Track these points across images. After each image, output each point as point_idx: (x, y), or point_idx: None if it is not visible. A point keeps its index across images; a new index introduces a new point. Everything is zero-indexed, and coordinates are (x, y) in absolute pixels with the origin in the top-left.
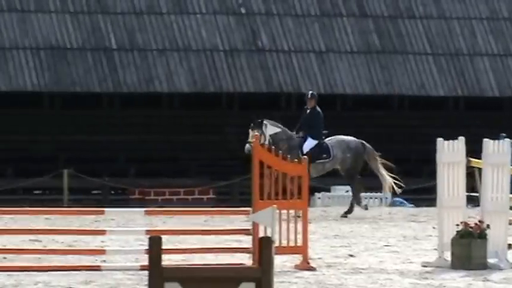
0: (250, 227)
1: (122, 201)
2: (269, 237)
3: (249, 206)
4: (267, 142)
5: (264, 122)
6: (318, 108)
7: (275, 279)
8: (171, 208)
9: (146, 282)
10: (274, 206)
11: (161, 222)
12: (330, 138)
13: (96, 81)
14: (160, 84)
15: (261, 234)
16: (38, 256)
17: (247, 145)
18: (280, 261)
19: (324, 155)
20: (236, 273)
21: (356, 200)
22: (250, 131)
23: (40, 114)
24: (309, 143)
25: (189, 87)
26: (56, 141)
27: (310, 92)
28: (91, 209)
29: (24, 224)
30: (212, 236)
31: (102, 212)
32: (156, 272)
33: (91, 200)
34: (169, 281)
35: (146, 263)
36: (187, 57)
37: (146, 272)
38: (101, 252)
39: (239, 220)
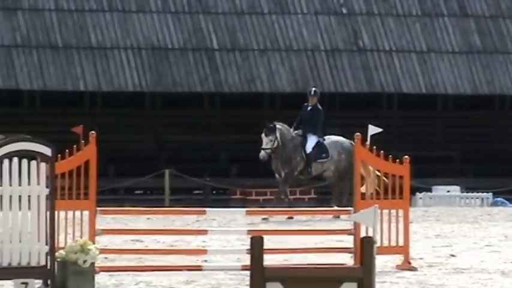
0: (351, 227)
1: (223, 201)
2: (371, 237)
3: (351, 206)
4: (276, 145)
5: (277, 126)
6: (319, 106)
7: (376, 279)
8: (272, 208)
9: (248, 283)
10: (376, 205)
11: (262, 222)
12: (323, 138)
13: (197, 81)
14: (262, 84)
15: (363, 234)
16: (140, 256)
17: (263, 152)
18: (381, 261)
19: (324, 155)
20: (338, 274)
21: (337, 202)
22: (263, 136)
23: (141, 114)
24: (311, 142)
25: (291, 87)
26: (157, 141)
27: (313, 88)
28: (192, 209)
29: (126, 224)
30: (313, 236)
31: (204, 212)
32: (258, 272)
33: (192, 199)
34: (271, 281)
35: (248, 263)
36: (289, 57)
37: (248, 272)
38: (203, 252)
39: (341, 220)
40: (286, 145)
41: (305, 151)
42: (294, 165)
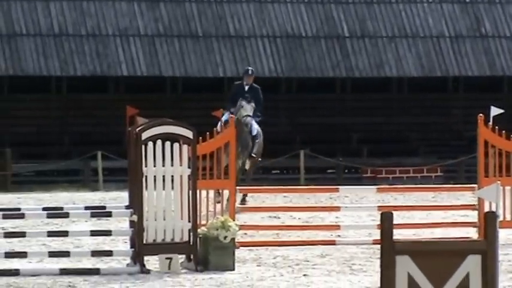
0: (476, 203)
1: (355, 179)
2: (494, 212)
3: (475, 183)
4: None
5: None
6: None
7: (500, 251)
8: (401, 186)
9: (378, 256)
10: (498, 182)
11: (392, 199)
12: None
13: (329, 66)
14: (390, 69)
15: (486, 209)
16: (277, 232)
17: (250, 118)
18: (504, 235)
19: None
20: (463, 246)
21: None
22: (245, 104)
23: (277, 98)
24: (255, 123)
25: (417, 71)
26: (292, 124)
27: (251, 68)
28: (326, 187)
29: (264, 202)
30: (440, 212)
31: (337, 190)
32: (388, 245)
33: (326, 178)
34: (400, 254)
35: (378, 237)
36: (415, 44)
37: (378, 246)
38: (336, 227)
39: (465, 196)
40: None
41: (251, 131)
42: (249, 148)
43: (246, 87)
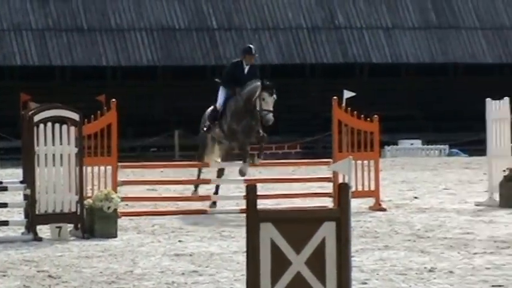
0: (331, 176)
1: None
2: (347, 183)
3: (330, 158)
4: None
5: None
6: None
7: (352, 218)
8: (265, 161)
9: (245, 223)
10: (350, 157)
11: (257, 172)
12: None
13: (200, 56)
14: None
15: (340, 181)
16: (155, 203)
17: (271, 115)
18: (356, 204)
19: None
20: (320, 214)
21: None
22: (268, 96)
23: (155, 84)
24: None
25: (278, 59)
26: (168, 107)
27: (253, 46)
28: (198, 163)
29: (143, 176)
30: (299, 184)
31: (208, 165)
32: (252, 214)
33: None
34: (263, 221)
35: (245, 207)
36: (276, 35)
37: (245, 215)
38: (207, 198)
39: (322, 170)
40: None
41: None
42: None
43: (246, 68)
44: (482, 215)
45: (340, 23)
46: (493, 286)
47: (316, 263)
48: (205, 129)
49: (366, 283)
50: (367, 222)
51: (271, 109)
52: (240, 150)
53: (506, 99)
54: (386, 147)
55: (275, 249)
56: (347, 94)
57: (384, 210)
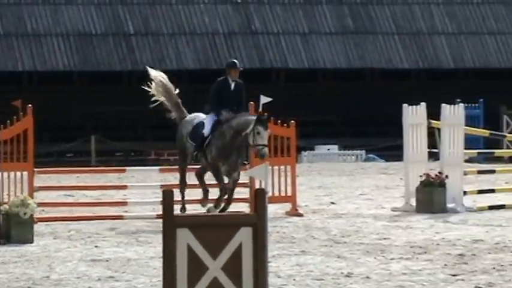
0: (247, 181)
1: (141, 161)
2: (263, 189)
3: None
4: None
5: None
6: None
7: (269, 224)
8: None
9: (161, 229)
10: (267, 162)
11: (173, 178)
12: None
13: (117, 61)
14: (171, 63)
15: (257, 186)
16: (71, 208)
17: (266, 149)
18: (273, 209)
19: None
20: (236, 220)
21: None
22: (263, 130)
23: (71, 89)
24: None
25: (195, 64)
26: (84, 112)
27: (236, 61)
28: (115, 168)
29: (59, 182)
30: (216, 190)
31: (124, 171)
32: (169, 219)
33: (114, 161)
34: (180, 227)
35: (161, 212)
36: (193, 40)
37: (161, 220)
38: (124, 204)
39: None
40: None
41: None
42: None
43: (232, 84)
44: (398, 220)
45: (257, 28)
46: None
47: (233, 268)
48: (195, 153)
49: None
50: (284, 228)
51: (266, 143)
52: (221, 190)
53: (423, 104)
54: (303, 153)
55: (192, 254)
56: (264, 99)
57: (300, 215)
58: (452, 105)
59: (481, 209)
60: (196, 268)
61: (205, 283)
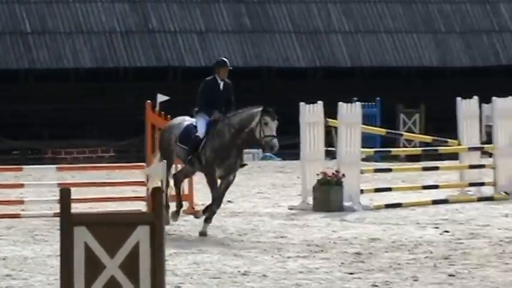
0: (144, 180)
1: (38, 159)
2: (160, 187)
3: (144, 162)
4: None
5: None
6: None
7: None
8: (78, 165)
9: (58, 227)
10: (164, 161)
11: (70, 176)
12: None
13: (14, 59)
14: (68, 62)
15: (154, 185)
16: None
17: (276, 140)
18: (170, 207)
19: None
20: (133, 218)
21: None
22: (273, 122)
23: None
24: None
25: (92, 63)
26: None
27: (226, 59)
28: (11, 167)
29: None
30: (113, 188)
31: (21, 169)
32: (66, 217)
33: (11, 159)
34: (77, 225)
35: (58, 210)
36: (90, 39)
37: (58, 218)
38: (20, 202)
39: (136, 174)
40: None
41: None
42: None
43: (221, 84)
44: (295, 218)
45: (154, 27)
46: None
47: (130, 266)
48: (189, 157)
49: (179, 287)
50: (181, 226)
51: (275, 134)
52: (214, 198)
53: (320, 103)
54: None
55: (89, 253)
56: (161, 98)
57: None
58: (349, 104)
59: (377, 208)
60: (94, 266)
61: (102, 281)
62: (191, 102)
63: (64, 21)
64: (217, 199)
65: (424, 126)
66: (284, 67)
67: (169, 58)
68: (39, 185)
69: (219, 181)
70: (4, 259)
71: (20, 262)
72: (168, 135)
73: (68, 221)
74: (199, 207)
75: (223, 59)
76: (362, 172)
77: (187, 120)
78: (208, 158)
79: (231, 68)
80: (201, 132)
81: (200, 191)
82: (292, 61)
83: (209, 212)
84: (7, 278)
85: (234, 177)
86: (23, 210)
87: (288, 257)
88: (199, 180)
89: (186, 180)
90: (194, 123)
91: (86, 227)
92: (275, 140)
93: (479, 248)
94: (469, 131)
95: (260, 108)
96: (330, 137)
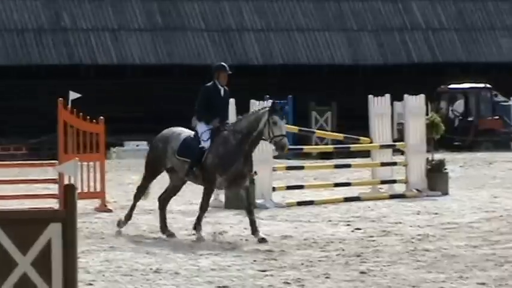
0: (56, 177)
1: None
2: (72, 184)
3: (56, 159)
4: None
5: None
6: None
7: (78, 219)
8: None
9: None
10: (76, 158)
11: None
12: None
13: None
14: None
15: (66, 182)
16: None
17: (286, 139)
18: (82, 205)
19: None
20: (45, 215)
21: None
22: (281, 120)
23: None
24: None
25: (4, 60)
26: None
27: (226, 64)
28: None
29: None
30: (25, 185)
31: None
32: None
33: None
34: None
35: None
36: (2, 36)
37: None
38: None
39: (48, 171)
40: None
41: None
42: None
43: (222, 90)
44: (208, 216)
45: (66, 25)
46: (218, 287)
47: (43, 264)
48: (193, 169)
49: (91, 284)
50: (93, 224)
51: (285, 133)
52: (203, 207)
53: (232, 100)
54: (112, 149)
55: (0, 250)
56: (73, 95)
57: (109, 211)
58: (261, 102)
59: (289, 205)
60: (6, 264)
61: (14, 278)
62: (103, 99)
63: None
64: (247, 209)
65: (336, 123)
66: (195, 64)
67: (82, 56)
68: None
69: (221, 192)
70: None
71: None
72: (163, 147)
73: None
74: (112, 205)
75: (223, 63)
76: (274, 169)
77: (185, 131)
78: (210, 165)
79: (230, 72)
80: (206, 143)
81: (113, 188)
82: (204, 59)
83: (196, 220)
84: None
85: (248, 183)
86: None
87: (200, 255)
88: (111, 177)
89: (98, 178)
90: (192, 136)
91: None
92: (285, 140)
93: (391, 246)
94: (380, 128)
95: (267, 108)
96: None
